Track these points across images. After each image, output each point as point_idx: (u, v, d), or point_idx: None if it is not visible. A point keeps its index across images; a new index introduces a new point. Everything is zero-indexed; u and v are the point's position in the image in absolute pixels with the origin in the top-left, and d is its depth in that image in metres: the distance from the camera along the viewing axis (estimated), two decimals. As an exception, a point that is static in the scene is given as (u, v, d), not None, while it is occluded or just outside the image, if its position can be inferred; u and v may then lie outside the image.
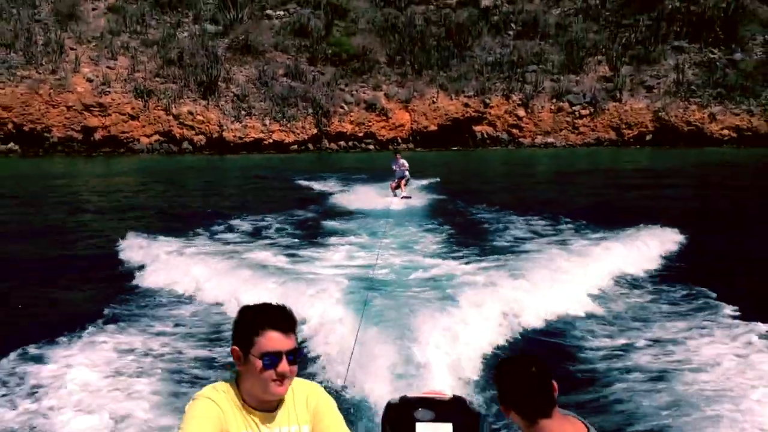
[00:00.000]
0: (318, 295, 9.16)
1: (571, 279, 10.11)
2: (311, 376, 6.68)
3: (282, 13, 50.44)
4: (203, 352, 7.81)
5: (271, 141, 41.88)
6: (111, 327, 8.60)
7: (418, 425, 2.97)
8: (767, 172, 31.85)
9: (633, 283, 10.54)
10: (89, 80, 42.08)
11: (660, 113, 43.57)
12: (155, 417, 6.11)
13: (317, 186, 24.65)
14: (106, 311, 9.26)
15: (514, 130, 44.88)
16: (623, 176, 28.24)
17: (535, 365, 2.63)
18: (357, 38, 48.36)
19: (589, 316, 8.92)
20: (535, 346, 7.90)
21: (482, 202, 19.15)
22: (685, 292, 9.77)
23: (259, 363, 2.51)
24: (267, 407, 2.63)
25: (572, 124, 44.56)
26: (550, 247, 12.42)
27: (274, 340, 2.52)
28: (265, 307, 2.62)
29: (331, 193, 22.72)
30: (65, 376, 6.85)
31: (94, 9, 47.77)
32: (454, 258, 11.89)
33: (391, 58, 47.71)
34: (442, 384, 6.51)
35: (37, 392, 6.59)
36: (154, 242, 13.58)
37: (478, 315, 8.31)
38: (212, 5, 49.45)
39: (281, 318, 2.56)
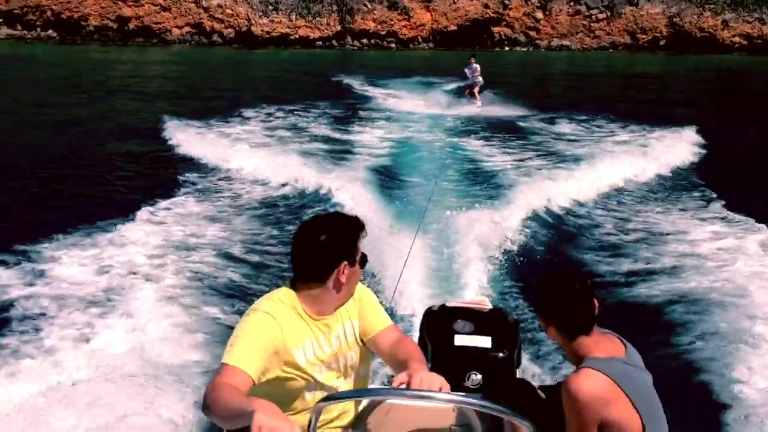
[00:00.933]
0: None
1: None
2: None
3: None
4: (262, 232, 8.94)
5: (297, 36, 43.90)
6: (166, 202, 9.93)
7: (457, 337, 2.95)
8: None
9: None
10: (123, -29, 43.81)
11: (675, 19, 44.83)
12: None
13: (381, 92, 24.52)
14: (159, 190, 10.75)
15: (532, 32, 46.40)
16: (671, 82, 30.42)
17: (579, 282, 2.64)
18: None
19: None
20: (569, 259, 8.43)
21: (547, 107, 20.18)
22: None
23: (359, 267, 2.62)
24: (332, 312, 2.67)
25: (588, 27, 45.96)
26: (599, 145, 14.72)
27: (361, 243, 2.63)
28: (347, 218, 2.70)
29: (398, 98, 22.73)
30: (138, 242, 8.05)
31: None
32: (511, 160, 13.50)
33: (415, -45, 48.58)
34: (483, 293, 6.86)
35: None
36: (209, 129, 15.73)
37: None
38: None
39: (364, 225, 2.65)
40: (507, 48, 45.31)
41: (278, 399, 2.35)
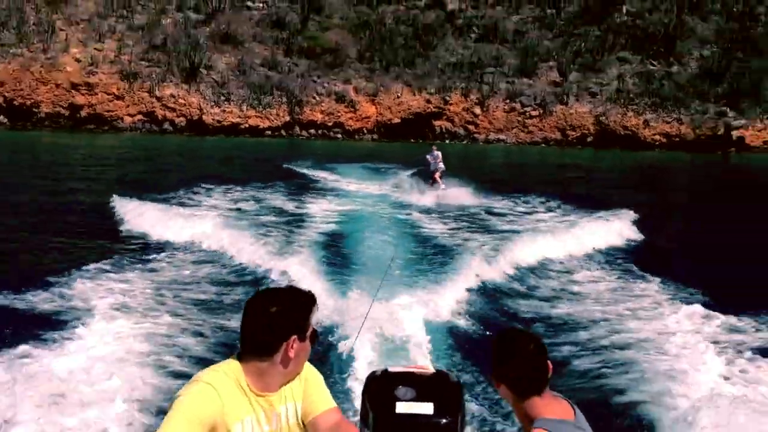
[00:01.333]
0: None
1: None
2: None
3: (261, 5, 54.01)
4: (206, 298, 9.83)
5: (247, 126, 45.76)
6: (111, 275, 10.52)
7: (399, 404, 2.98)
8: (698, 174, 37.07)
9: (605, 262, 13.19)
10: (78, 60, 45.38)
11: (601, 117, 48.49)
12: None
13: (337, 180, 25.47)
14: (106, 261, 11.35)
15: (471, 126, 49.37)
16: (597, 174, 33.03)
17: (534, 342, 2.63)
18: (330, 33, 52.25)
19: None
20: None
21: (498, 193, 21.76)
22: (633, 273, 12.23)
23: (309, 343, 2.57)
24: (275, 389, 2.61)
25: (523, 123, 49.21)
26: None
27: (313, 318, 2.58)
28: (298, 292, 2.66)
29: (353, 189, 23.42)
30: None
31: (82, -8, 50.80)
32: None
33: (361, 53, 51.67)
34: (426, 356, 7.20)
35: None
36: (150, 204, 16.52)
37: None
38: (195, -6, 52.87)
39: (315, 299, 2.63)
40: (447, 140, 47.99)
41: None
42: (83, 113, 44.47)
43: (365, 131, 48.26)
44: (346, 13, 54.40)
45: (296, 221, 16.79)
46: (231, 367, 2.54)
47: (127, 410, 6.06)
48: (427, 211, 18.99)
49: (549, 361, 2.64)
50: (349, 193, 22.35)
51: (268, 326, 2.50)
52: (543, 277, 12.09)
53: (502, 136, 49.08)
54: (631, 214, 17.61)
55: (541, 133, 49.03)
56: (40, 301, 9.31)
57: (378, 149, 41.09)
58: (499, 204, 20.34)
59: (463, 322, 9.13)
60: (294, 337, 2.52)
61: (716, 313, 9.54)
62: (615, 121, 48.32)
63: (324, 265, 11.86)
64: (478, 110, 49.51)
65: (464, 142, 48.86)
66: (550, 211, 19.43)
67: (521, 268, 12.30)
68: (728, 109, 48.04)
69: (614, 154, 43.72)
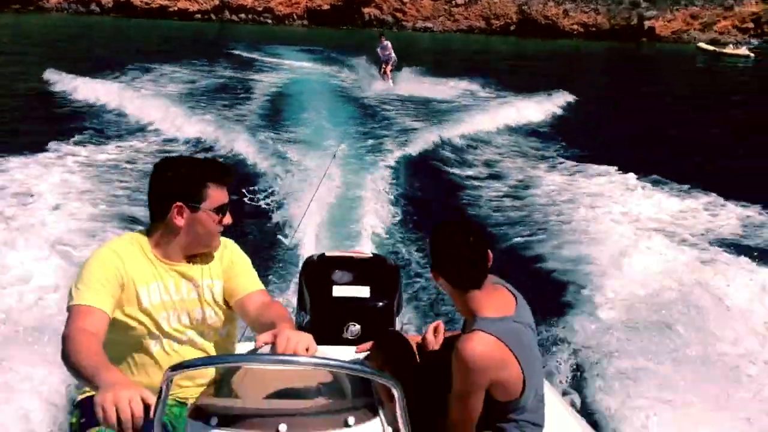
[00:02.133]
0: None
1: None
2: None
3: None
4: None
5: (176, 8, 45.88)
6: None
7: (335, 288, 2.96)
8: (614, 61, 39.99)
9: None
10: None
11: (524, 7, 50.66)
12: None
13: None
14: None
15: (399, 14, 50.77)
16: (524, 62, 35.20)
17: (473, 235, 2.55)
18: None
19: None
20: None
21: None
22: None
23: (214, 216, 2.53)
24: (183, 260, 2.59)
25: (449, 11, 50.92)
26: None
27: (223, 192, 2.56)
28: (209, 161, 2.67)
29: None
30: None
31: None
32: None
33: (289, -64, 51.54)
34: (366, 241, 7.21)
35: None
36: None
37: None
38: None
39: (229, 171, 2.60)
40: (375, 27, 49.34)
41: (124, 353, 2.48)
42: (7, -7, 43.56)
43: (295, 17, 49.06)
44: None
45: (243, 99, 17.70)
46: (135, 236, 2.60)
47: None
48: (375, 98, 19.19)
49: (489, 251, 2.56)
50: (296, 74, 23.03)
51: (155, 190, 2.54)
52: (488, 165, 12.26)
53: (429, 24, 50.74)
54: (565, 95, 19.54)
55: (467, 22, 50.93)
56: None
57: (310, 34, 42.27)
58: (443, 89, 21.08)
59: (407, 209, 9.02)
60: (178, 204, 2.49)
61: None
62: (536, 11, 50.61)
63: (271, 143, 12.09)
64: (405, -3, 50.84)
65: (392, 29, 50.28)
66: (486, 92, 20.79)
67: (466, 156, 12.60)
68: (641, 1, 50.96)
69: (536, 43, 46.15)
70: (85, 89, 16.64)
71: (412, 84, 21.22)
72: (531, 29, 49.82)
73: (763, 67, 36.69)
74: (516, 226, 8.77)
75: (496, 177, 11.34)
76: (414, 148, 12.54)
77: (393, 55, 21.72)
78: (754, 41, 47.06)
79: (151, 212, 2.57)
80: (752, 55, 39.77)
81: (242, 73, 22.41)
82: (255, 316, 2.58)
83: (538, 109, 17.61)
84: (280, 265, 6.74)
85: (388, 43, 21.76)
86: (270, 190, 9.22)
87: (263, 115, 15.60)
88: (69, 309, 2.34)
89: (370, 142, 13.18)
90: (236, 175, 2.72)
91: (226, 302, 2.67)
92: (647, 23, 50.19)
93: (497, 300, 2.56)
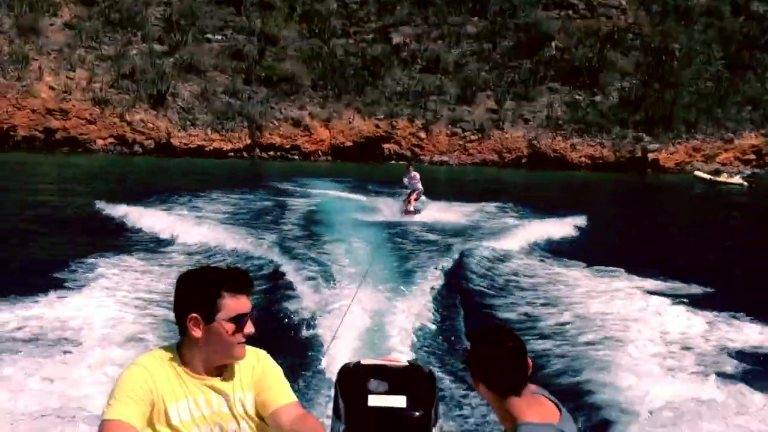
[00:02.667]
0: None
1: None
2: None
3: (220, 37, 58.45)
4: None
5: (211, 148, 49.99)
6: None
7: (371, 397, 2.98)
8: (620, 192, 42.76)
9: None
10: (52, 88, 48.98)
11: (533, 141, 54.35)
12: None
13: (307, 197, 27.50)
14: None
15: (416, 149, 54.59)
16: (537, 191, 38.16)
17: (512, 340, 2.60)
18: (286, 64, 56.99)
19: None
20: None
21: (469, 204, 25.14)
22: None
23: (230, 326, 2.55)
24: (213, 373, 2.62)
25: (464, 146, 54.70)
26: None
27: (241, 302, 2.59)
28: (225, 270, 2.68)
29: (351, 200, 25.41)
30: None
31: (51, 24, 54.43)
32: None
33: (315, 82, 56.53)
34: (402, 350, 7.42)
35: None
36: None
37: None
38: (159, 27, 57.02)
39: (246, 280, 2.65)
40: (394, 161, 53.00)
41: None
42: (58, 136, 48.00)
43: (320, 153, 53.01)
44: (300, 46, 59.28)
45: (279, 220, 20.00)
46: (166, 349, 2.64)
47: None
48: (399, 224, 20.79)
49: (529, 359, 2.59)
50: (326, 199, 25.36)
51: (175, 303, 2.59)
52: (515, 274, 13.15)
53: (445, 158, 54.41)
54: (582, 218, 21.33)
55: (480, 155, 54.55)
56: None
57: (334, 168, 45.83)
58: (465, 213, 22.99)
59: (439, 319, 9.53)
60: (193, 315, 2.53)
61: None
62: (546, 145, 54.21)
63: (306, 258, 13.19)
64: (423, 134, 54.82)
65: (411, 162, 53.89)
66: (508, 216, 22.90)
67: (493, 268, 13.54)
68: (644, 135, 54.53)
69: (546, 174, 49.32)
70: (135, 215, 18.52)
71: (433, 211, 22.54)
72: (541, 162, 53.22)
73: (757, 195, 39.25)
74: (547, 337, 9.13)
75: (523, 288, 12.06)
76: (442, 263, 13.49)
77: (420, 185, 22.52)
78: (747, 171, 49.86)
79: (178, 327, 2.63)
80: (745, 183, 42.62)
81: (277, 199, 24.99)
82: (289, 430, 2.61)
83: (555, 229, 19.34)
84: (314, 375, 6.91)
85: (417, 174, 22.73)
86: (304, 302, 9.83)
87: (299, 236, 17.28)
88: (101, 425, 2.41)
89: (398, 261, 14.08)
90: (254, 285, 2.73)
91: (259, 415, 2.71)
92: (651, 155, 53.45)
93: (539, 407, 2.57)
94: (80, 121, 48.49)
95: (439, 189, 36.47)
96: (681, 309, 10.84)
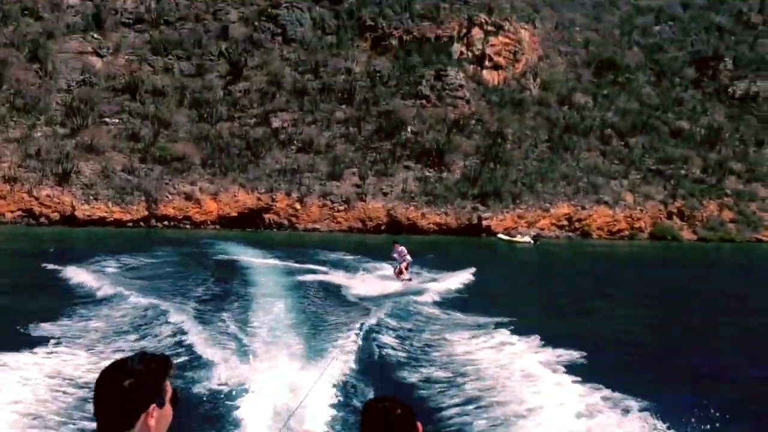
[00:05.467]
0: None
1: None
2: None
3: (117, 120, 66.52)
4: None
5: (112, 219, 57.60)
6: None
7: None
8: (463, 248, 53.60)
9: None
10: (-37, 167, 55.35)
11: (391, 211, 65.44)
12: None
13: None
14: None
15: (292, 218, 64.31)
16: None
17: (400, 407, 2.82)
18: (178, 145, 65.73)
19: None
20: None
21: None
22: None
23: (170, 406, 2.61)
24: None
25: (333, 215, 64.97)
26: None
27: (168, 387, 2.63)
28: (155, 358, 2.66)
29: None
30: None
31: (-41, 108, 60.89)
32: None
33: (204, 161, 65.45)
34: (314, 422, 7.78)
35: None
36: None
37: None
38: (61, 111, 64.40)
39: (168, 360, 2.67)
40: (274, 229, 62.30)
41: None
42: (-32, 210, 54.23)
43: (209, 222, 61.67)
44: (190, 129, 68.28)
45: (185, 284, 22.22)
46: None
47: None
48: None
49: (419, 423, 2.82)
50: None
51: (123, 401, 2.49)
52: (421, 333, 14.55)
53: (317, 226, 64.39)
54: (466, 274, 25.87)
55: (347, 223, 64.96)
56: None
57: (221, 235, 54.60)
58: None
59: (352, 385, 9.73)
60: (153, 405, 2.52)
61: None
62: (401, 214, 65.44)
63: (213, 332, 13.54)
64: (298, 206, 64.71)
65: (287, 230, 63.53)
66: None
67: (400, 328, 14.79)
68: (480, 205, 66.95)
69: (402, 238, 59.92)
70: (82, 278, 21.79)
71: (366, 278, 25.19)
72: (397, 227, 64.16)
73: (538, 249, 51.91)
74: (442, 397, 9.70)
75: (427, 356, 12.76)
76: (354, 327, 14.29)
77: (408, 257, 24.59)
78: (533, 232, 63.53)
79: (111, 424, 2.51)
80: (532, 241, 56.38)
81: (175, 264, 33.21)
82: None
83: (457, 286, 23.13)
84: None
85: (403, 248, 24.57)
86: (214, 375, 10.10)
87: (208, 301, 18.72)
88: None
89: (305, 328, 14.83)
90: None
91: None
92: (485, 222, 65.73)
93: None
94: (-10, 197, 54.98)
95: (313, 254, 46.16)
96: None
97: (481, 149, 73.42)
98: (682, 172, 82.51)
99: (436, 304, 19.77)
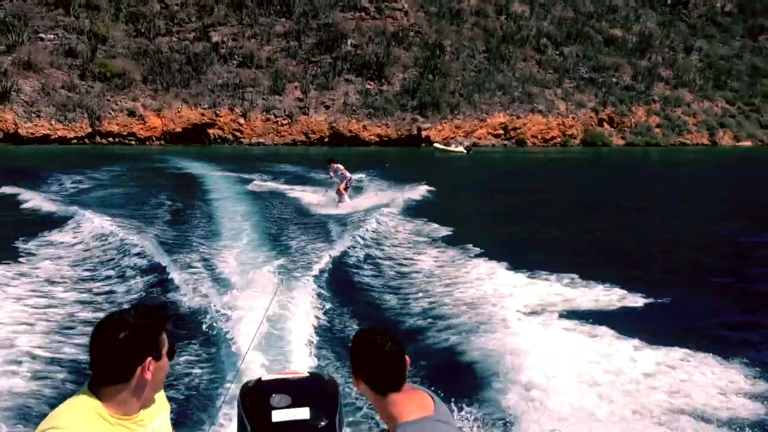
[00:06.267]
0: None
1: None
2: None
3: (52, 36, 66.01)
4: None
5: (56, 136, 58.45)
6: None
7: (274, 413, 3.00)
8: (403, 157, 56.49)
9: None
10: None
11: (333, 124, 67.63)
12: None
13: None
14: None
15: (237, 133, 66.00)
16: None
17: (390, 341, 2.83)
18: (117, 61, 65.90)
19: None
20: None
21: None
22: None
23: (166, 359, 2.64)
24: (138, 409, 2.63)
25: (276, 130, 66.87)
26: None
27: (165, 339, 2.65)
28: (149, 307, 2.66)
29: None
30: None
31: None
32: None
33: (144, 77, 65.97)
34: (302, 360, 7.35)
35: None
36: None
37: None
38: (-7, 28, 63.64)
39: (168, 314, 2.69)
40: (219, 144, 64.00)
41: None
42: None
43: (154, 138, 62.96)
44: (128, 44, 68.28)
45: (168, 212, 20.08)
46: (86, 401, 2.53)
47: None
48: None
49: (406, 356, 2.85)
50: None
51: (120, 353, 2.50)
52: (393, 259, 13.74)
53: (261, 140, 66.30)
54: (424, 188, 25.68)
55: (291, 136, 67.03)
56: None
57: (167, 150, 56.23)
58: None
59: (332, 319, 9.39)
60: (149, 358, 2.55)
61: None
62: (343, 126, 67.72)
63: (187, 262, 12.50)
64: (242, 120, 66.29)
65: (233, 145, 65.33)
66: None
67: (374, 254, 14.05)
68: (419, 117, 69.64)
69: (345, 150, 62.42)
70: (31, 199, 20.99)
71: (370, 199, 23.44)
72: (340, 140, 66.59)
73: (470, 158, 55.44)
74: (422, 328, 9.26)
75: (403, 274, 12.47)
76: (327, 255, 13.43)
77: (348, 174, 22.85)
78: (466, 142, 67.01)
79: (107, 375, 2.52)
80: (465, 151, 60.08)
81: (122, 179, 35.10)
82: None
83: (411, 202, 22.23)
84: (215, 395, 6.70)
85: (338, 166, 22.84)
86: (193, 312, 9.49)
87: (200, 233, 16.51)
88: None
89: (277, 252, 13.94)
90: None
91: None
92: (424, 132, 68.65)
93: (417, 402, 2.82)
94: (-69, 115, 55.10)
95: (258, 168, 48.27)
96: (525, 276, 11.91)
97: (420, 61, 75.45)
98: (614, 79, 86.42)
99: (402, 219, 19.26)
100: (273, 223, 18.48)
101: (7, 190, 23.31)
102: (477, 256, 13.59)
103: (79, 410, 2.50)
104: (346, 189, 22.68)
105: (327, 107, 68.84)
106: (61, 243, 14.54)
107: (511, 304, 10.05)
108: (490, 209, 24.65)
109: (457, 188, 33.77)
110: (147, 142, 62.19)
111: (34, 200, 21.11)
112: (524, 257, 13.39)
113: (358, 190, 26.03)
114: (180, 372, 7.26)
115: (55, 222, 17.00)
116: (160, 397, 2.80)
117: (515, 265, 12.47)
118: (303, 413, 3.01)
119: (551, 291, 10.94)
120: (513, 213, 23.31)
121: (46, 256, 13.08)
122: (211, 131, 65.40)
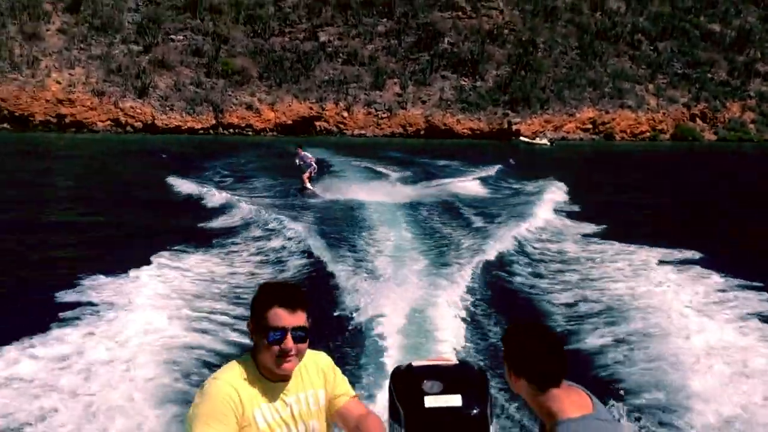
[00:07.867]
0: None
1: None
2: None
3: (182, 37, 75.57)
4: None
5: (186, 127, 67.88)
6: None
7: (427, 398, 3.05)
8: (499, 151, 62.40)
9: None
10: (58, 83, 65.56)
11: (429, 118, 74.29)
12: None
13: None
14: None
15: (341, 125, 73.73)
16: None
17: (550, 332, 2.77)
18: (237, 59, 74.80)
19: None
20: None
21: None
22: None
23: (265, 339, 2.84)
24: (282, 378, 2.92)
25: (377, 122, 74.16)
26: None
27: (279, 316, 2.82)
28: (278, 284, 3.00)
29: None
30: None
31: (47, 30, 70.52)
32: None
33: (260, 74, 74.58)
34: (448, 348, 7.55)
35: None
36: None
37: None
38: (132, 30, 73.65)
39: (289, 296, 2.88)
40: (324, 135, 71.90)
41: None
42: (67, 120, 64.87)
43: (268, 130, 71.58)
44: (246, 44, 77.10)
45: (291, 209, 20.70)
46: (243, 360, 2.97)
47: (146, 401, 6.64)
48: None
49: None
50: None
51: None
52: (544, 254, 13.70)
53: (363, 132, 73.74)
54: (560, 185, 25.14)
55: (390, 129, 74.17)
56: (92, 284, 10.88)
57: (281, 140, 64.20)
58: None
59: (480, 311, 9.50)
60: (250, 322, 2.92)
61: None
62: (438, 120, 74.28)
63: (335, 253, 13.30)
64: (345, 114, 73.97)
65: (337, 136, 73.05)
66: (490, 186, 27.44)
67: (522, 249, 14.04)
68: (510, 111, 75.29)
69: (440, 142, 68.65)
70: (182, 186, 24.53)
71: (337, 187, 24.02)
72: (434, 133, 73.12)
73: (555, 150, 60.68)
74: (575, 322, 9.20)
75: (552, 270, 12.37)
76: (470, 247, 13.62)
77: (313, 163, 23.23)
78: (551, 134, 72.34)
79: None
80: (548, 144, 65.45)
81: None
82: (354, 426, 3.04)
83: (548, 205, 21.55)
84: (363, 376, 7.09)
85: (307, 154, 23.39)
86: (344, 299, 10.10)
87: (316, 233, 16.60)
88: None
89: (425, 247, 14.18)
90: (305, 304, 2.94)
91: (327, 410, 3.12)
92: (515, 126, 74.26)
93: (576, 399, 2.72)
94: (84, 108, 65.44)
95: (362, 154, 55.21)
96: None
97: (513, 58, 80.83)
98: (709, 75, 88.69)
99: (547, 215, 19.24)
100: (429, 215, 19.68)
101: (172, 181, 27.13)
102: (629, 252, 13.63)
103: (237, 368, 2.94)
104: (309, 178, 23.34)
105: (423, 102, 75.47)
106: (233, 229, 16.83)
107: (677, 304, 9.76)
108: (635, 203, 24.74)
109: (587, 182, 33.46)
110: (262, 133, 70.76)
111: (206, 190, 24.05)
112: (683, 252, 13.26)
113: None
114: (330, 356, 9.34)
115: (223, 209, 19.64)
116: (314, 372, 3.11)
117: (678, 261, 12.36)
118: (455, 400, 3.07)
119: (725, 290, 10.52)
120: (658, 207, 23.73)
121: (227, 239, 15.26)
122: (317, 123, 73.36)
